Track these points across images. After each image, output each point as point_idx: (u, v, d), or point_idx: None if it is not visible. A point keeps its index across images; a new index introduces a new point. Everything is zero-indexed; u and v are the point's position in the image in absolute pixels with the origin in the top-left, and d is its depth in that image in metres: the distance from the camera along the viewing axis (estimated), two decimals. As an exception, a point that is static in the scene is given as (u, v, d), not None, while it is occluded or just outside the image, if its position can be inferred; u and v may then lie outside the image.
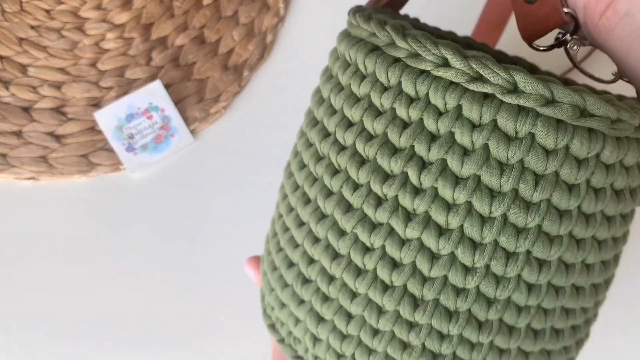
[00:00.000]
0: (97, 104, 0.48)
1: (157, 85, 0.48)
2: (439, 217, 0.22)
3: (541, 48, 0.25)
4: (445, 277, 0.23)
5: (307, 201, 0.26)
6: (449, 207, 0.22)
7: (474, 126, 0.21)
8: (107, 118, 0.47)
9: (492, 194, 0.22)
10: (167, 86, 0.48)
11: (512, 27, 0.30)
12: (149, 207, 0.47)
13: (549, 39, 0.26)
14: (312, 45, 0.50)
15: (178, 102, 0.48)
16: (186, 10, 0.50)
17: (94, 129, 0.48)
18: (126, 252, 0.47)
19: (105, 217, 0.47)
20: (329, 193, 0.25)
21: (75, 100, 0.49)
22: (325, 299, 0.25)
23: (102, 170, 0.48)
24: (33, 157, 0.48)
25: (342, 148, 0.24)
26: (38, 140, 0.48)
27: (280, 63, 0.50)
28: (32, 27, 0.50)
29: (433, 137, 0.22)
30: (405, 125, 0.22)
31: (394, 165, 0.23)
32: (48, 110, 0.48)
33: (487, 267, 0.22)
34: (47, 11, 0.50)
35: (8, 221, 0.47)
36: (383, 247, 0.23)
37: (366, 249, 0.24)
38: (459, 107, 0.22)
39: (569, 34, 0.25)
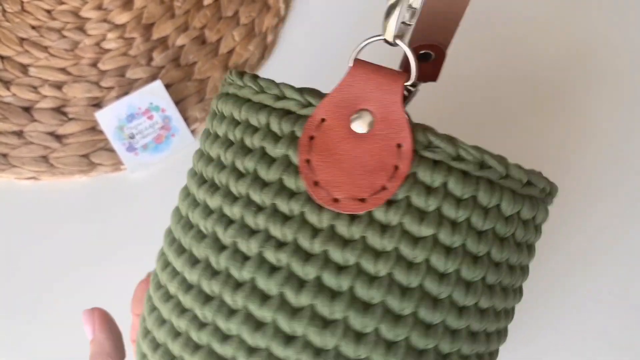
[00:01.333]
0: (97, 104, 0.49)
1: (157, 85, 0.48)
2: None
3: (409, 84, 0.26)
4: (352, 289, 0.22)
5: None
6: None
7: (428, 189, 0.22)
8: (107, 118, 0.47)
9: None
10: (168, 86, 0.49)
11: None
12: (150, 206, 0.47)
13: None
14: (312, 46, 0.50)
15: (178, 102, 0.49)
16: (187, 11, 0.51)
17: (94, 128, 0.48)
18: (126, 251, 0.47)
19: (106, 217, 0.47)
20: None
21: (76, 100, 0.49)
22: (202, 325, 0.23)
23: (102, 170, 0.48)
24: (34, 157, 0.48)
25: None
26: (39, 140, 0.48)
27: (280, 63, 0.50)
28: (33, 27, 0.50)
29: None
30: None
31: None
32: (49, 110, 0.48)
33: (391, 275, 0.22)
34: (48, 11, 0.50)
35: (9, 221, 0.47)
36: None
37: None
38: (445, 184, 0.22)
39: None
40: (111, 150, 0.48)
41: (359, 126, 0.22)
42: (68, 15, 0.50)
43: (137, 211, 0.47)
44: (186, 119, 0.48)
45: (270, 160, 0.23)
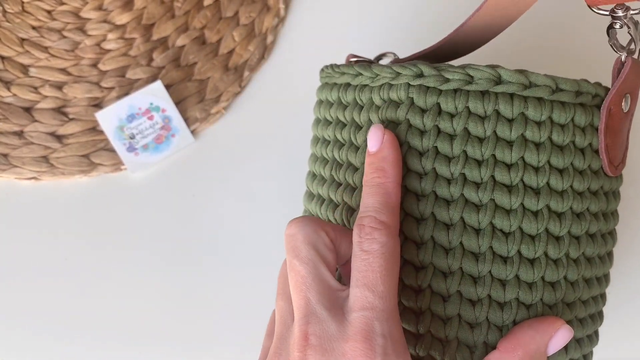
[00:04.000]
0: (98, 104, 0.49)
1: (157, 86, 0.48)
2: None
3: (602, 12, 0.30)
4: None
5: None
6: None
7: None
8: (108, 118, 0.48)
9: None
10: (168, 86, 0.49)
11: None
12: (150, 206, 0.48)
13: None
14: (312, 46, 0.50)
15: (179, 103, 0.49)
16: (187, 11, 0.51)
17: (95, 129, 0.48)
18: (127, 251, 0.47)
19: (106, 217, 0.47)
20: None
21: (76, 101, 0.49)
22: None
23: (103, 170, 0.48)
24: (34, 157, 0.48)
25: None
26: (39, 140, 0.48)
27: (280, 63, 0.50)
28: (34, 28, 0.50)
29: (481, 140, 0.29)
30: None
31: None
32: (49, 110, 0.49)
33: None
34: (49, 12, 0.50)
35: (9, 221, 0.47)
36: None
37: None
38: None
39: (627, 11, 0.29)
40: (111, 150, 0.48)
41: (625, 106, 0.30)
42: (68, 15, 0.50)
43: (137, 211, 0.47)
44: (186, 119, 0.48)
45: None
